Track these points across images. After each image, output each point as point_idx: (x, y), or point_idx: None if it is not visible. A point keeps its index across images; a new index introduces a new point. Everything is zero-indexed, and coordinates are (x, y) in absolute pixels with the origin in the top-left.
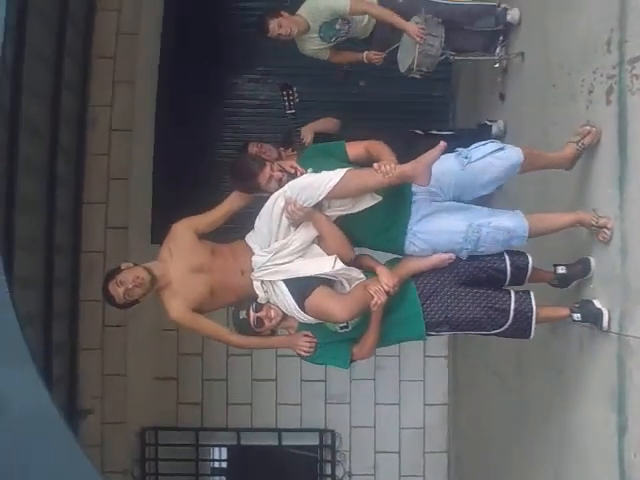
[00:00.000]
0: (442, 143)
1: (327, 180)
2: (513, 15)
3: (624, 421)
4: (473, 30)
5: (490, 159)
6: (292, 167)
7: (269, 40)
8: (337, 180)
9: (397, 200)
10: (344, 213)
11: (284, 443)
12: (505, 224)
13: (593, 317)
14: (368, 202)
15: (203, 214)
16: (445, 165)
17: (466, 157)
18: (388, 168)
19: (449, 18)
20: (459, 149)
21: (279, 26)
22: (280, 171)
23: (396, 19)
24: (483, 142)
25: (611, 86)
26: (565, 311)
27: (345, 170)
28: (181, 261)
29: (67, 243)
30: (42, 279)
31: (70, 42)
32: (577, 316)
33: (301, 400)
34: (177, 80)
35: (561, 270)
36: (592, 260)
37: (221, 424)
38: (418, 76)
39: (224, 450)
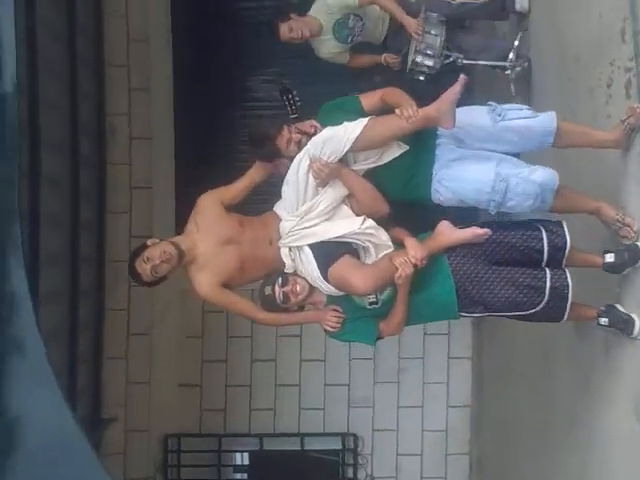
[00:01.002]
0: (463, 76)
1: (350, 131)
2: (522, 4)
3: None
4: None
5: (524, 122)
6: (312, 126)
7: (281, 44)
8: (360, 129)
9: (421, 146)
10: (371, 166)
11: (307, 447)
12: (535, 175)
13: (622, 323)
14: (395, 152)
15: (227, 186)
16: (476, 117)
17: (499, 114)
18: (411, 112)
19: (456, 16)
20: (492, 103)
21: (290, 29)
22: (298, 133)
23: (399, 12)
24: (519, 106)
25: (629, 79)
26: (592, 312)
27: (367, 119)
28: (209, 233)
29: (92, 254)
30: (67, 292)
31: (82, 51)
32: (604, 321)
33: (324, 404)
34: (192, 86)
35: (609, 258)
36: None
37: (244, 430)
38: (421, 77)
39: (246, 455)
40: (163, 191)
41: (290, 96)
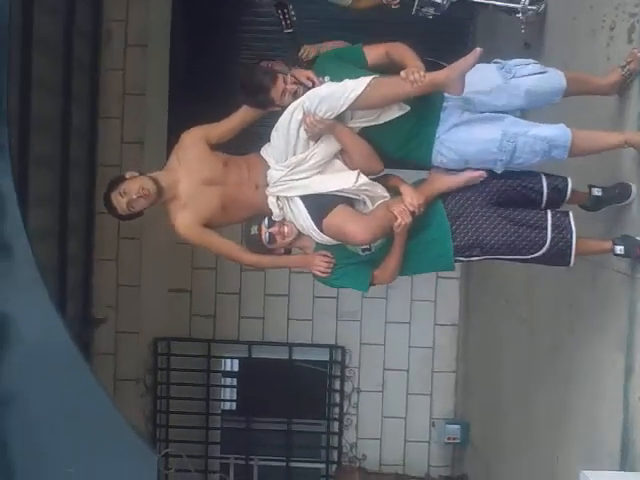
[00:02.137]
0: (478, 49)
1: (350, 90)
2: None
3: (631, 363)
4: None
5: (533, 80)
6: (309, 78)
7: None
8: (361, 90)
9: (426, 106)
10: (368, 125)
11: (294, 357)
12: (545, 133)
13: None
14: (395, 112)
15: (214, 124)
16: (486, 74)
17: (509, 72)
18: (417, 76)
19: None
20: (499, 60)
21: None
22: (294, 83)
23: None
24: (525, 61)
25: (633, 24)
26: (605, 245)
27: (370, 78)
28: (191, 172)
29: (83, 158)
30: (58, 195)
31: None
32: (620, 249)
33: (312, 316)
34: None
35: (597, 192)
36: (634, 187)
37: (233, 337)
38: (429, 17)
39: (235, 362)
40: (156, 98)
41: (285, 10)
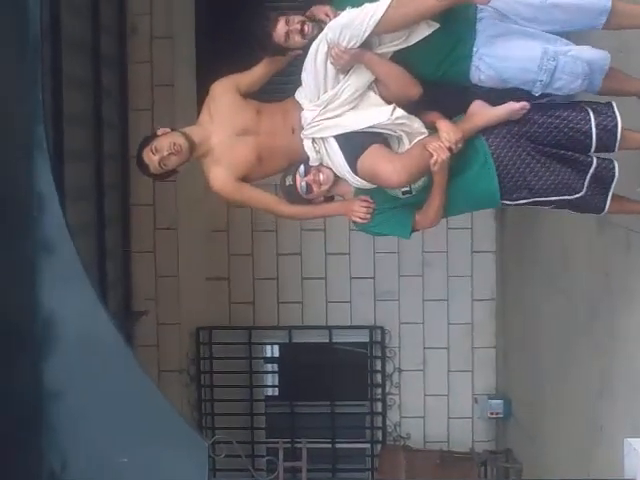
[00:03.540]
0: None
1: (370, 13)
2: None
3: None
4: None
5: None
6: (326, 14)
7: None
8: (382, 12)
9: (459, 20)
10: (398, 48)
11: (335, 340)
12: (585, 54)
13: None
14: (423, 32)
15: (243, 72)
16: None
17: None
18: None
19: None
20: None
21: None
22: (301, 22)
23: None
24: None
25: None
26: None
27: None
28: (223, 124)
29: (116, 151)
30: (93, 188)
31: None
32: None
33: (350, 298)
34: None
35: None
36: None
37: (273, 322)
38: None
39: (276, 347)
40: (184, 88)
41: None
